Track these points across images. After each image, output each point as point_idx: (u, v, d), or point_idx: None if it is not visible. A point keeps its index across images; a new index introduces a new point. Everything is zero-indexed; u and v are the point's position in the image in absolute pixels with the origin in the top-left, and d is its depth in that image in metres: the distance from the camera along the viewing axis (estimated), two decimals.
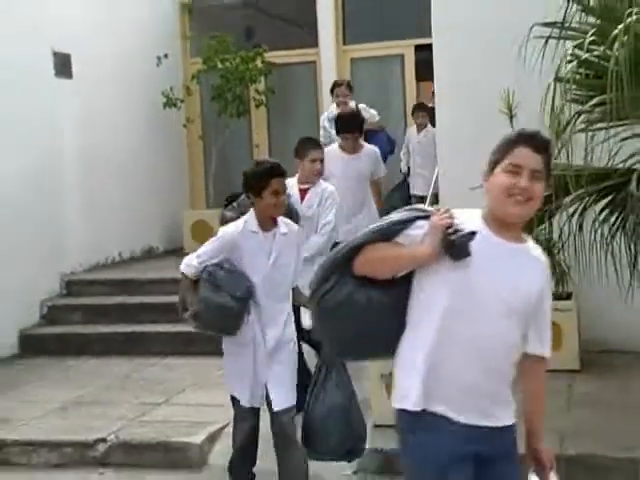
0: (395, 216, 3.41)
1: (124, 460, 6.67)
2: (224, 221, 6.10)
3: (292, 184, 6.64)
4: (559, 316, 7.67)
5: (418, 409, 3.21)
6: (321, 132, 9.72)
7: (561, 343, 7.75)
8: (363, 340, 3.44)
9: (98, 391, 8.12)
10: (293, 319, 5.47)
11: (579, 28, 6.25)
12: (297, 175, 7.04)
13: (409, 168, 11.80)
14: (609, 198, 6.32)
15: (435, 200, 9.96)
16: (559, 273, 7.96)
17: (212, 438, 6.69)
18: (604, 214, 6.36)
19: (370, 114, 10.03)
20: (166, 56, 12.11)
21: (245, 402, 5.29)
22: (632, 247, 6.33)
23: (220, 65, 11.96)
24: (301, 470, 5.39)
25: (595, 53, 5.73)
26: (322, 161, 7.06)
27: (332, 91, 10.17)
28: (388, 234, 3.33)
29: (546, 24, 6.30)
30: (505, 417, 3.29)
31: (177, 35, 13.10)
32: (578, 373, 7.68)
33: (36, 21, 10.10)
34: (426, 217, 3.31)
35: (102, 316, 10.03)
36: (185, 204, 13.05)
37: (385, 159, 9.67)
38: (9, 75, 9.55)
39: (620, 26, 5.51)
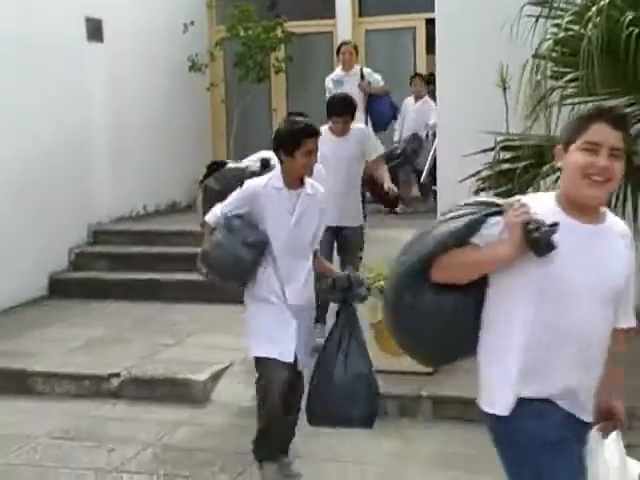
0: (464, 216, 3.05)
1: (135, 394, 6.90)
2: (210, 193, 5.82)
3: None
4: None
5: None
6: (326, 93, 9.17)
7: None
8: (457, 343, 3.24)
9: (117, 331, 8.33)
10: (313, 278, 5.16)
11: (566, 8, 6.45)
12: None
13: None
14: None
15: (432, 172, 10.00)
16: None
17: (215, 377, 6.90)
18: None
19: (374, 79, 9.87)
20: (192, 23, 12.19)
21: (276, 355, 4.88)
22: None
23: (243, 33, 12.08)
24: (292, 435, 5.30)
25: (570, 33, 5.94)
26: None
27: (338, 51, 10.02)
28: (463, 239, 3.01)
29: (536, 3, 6.42)
30: (592, 411, 3.08)
31: (203, 4, 13.05)
32: None
33: None
34: (499, 212, 3.01)
35: (125, 264, 10.17)
36: (207, 162, 12.97)
37: (387, 125, 9.83)
38: (45, 39, 9.68)
39: (594, 8, 5.73)
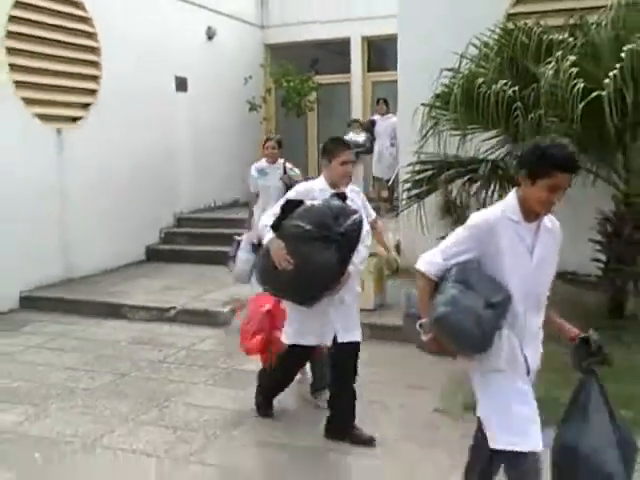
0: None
1: (184, 319, 7.78)
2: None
3: (321, 187, 4.50)
4: None
5: None
6: (250, 180, 7.31)
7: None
8: None
9: (182, 282, 9.13)
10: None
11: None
12: (322, 177, 4.56)
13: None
14: (469, 176, 6.93)
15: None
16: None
17: (233, 311, 7.54)
18: (466, 186, 7.13)
19: (295, 173, 7.42)
20: (250, 77, 12.83)
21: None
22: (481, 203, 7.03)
23: (285, 84, 12.73)
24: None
25: (446, 90, 6.72)
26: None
27: (264, 144, 7.46)
28: None
29: (449, 69, 7.06)
30: None
31: (257, 63, 13.42)
32: None
33: (165, 55, 10.93)
34: None
35: (198, 240, 10.67)
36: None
37: None
38: (147, 90, 10.52)
39: (459, 76, 6.59)
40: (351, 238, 4.21)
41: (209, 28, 12.13)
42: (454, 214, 8.44)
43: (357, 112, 13.00)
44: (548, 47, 6.36)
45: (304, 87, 12.75)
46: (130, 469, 4.41)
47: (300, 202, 4.30)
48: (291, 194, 4.53)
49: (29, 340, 7.30)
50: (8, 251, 8.34)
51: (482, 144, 7.20)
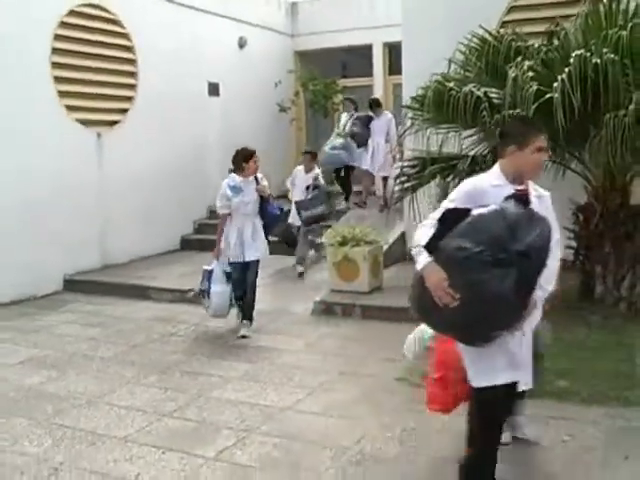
0: None
1: (199, 301, 7.62)
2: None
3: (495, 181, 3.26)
4: None
5: None
6: (221, 201, 6.68)
7: None
8: None
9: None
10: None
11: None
12: (498, 168, 3.32)
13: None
14: (451, 170, 7.09)
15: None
16: None
17: None
18: (448, 180, 7.52)
19: (265, 183, 6.84)
20: (280, 82, 13.21)
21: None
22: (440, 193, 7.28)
23: (311, 87, 13.16)
24: None
25: (421, 93, 6.99)
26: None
27: (248, 159, 6.76)
28: None
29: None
30: None
31: (285, 69, 13.61)
32: None
33: (199, 64, 11.43)
34: None
35: None
36: (288, 167, 12.81)
37: (277, 223, 7.52)
38: (181, 96, 11.04)
39: (434, 79, 6.88)
40: (536, 258, 3.01)
41: (240, 38, 12.60)
42: None
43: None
44: (516, 53, 6.63)
45: (329, 90, 13.10)
46: (121, 420, 4.92)
47: (466, 212, 3.07)
48: (458, 195, 3.25)
49: (64, 317, 7.94)
50: (54, 240, 9.01)
51: (465, 141, 7.44)
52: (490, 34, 6.91)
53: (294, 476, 4.05)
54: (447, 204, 3.20)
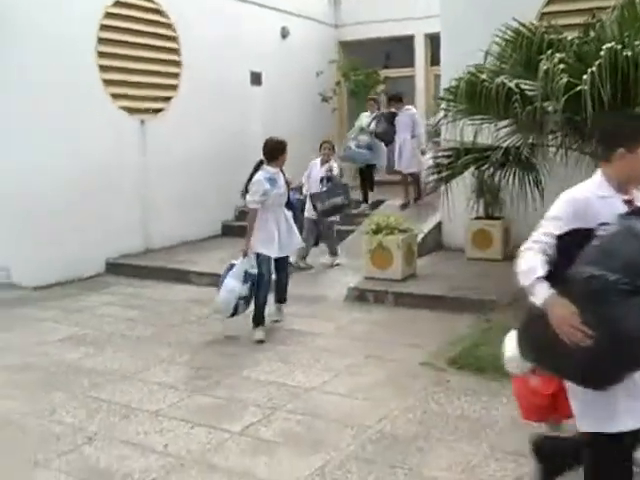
0: None
1: None
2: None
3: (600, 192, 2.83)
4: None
5: None
6: (258, 195, 6.33)
7: (492, 243, 9.11)
8: None
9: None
10: None
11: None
12: (601, 176, 2.85)
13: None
14: (484, 161, 7.26)
15: None
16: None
17: None
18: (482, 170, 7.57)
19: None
20: (322, 72, 13.36)
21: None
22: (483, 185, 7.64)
23: (353, 77, 13.28)
24: None
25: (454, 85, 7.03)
26: None
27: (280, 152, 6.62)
28: None
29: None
30: None
31: (327, 59, 13.70)
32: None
33: (241, 53, 11.66)
34: None
35: None
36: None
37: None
38: (223, 85, 11.27)
39: (462, 74, 6.93)
40: None
41: (283, 28, 12.78)
42: (486, 195, 8.90)
43: (420, 102, 13.26)
44: (549, 45, 6.64)
45: (370, 80, 13.20)
46: (153, 396, 5.16)
47: (588, 232, 2.67)
48: (563, 213, 2.80)
49: (106, 298, 8.24)
50: (97, 224, 9.33)
51: (500, 132, 7.47)
52: (524, 26, 6.91)
53: (315, 450, 4.21)
54: (554, 224, 2.78)
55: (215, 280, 8.13)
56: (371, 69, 13.28)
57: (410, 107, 10.86)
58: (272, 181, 6.43)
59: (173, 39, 10.38)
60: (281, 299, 6.97)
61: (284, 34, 12.84)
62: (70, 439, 4.43)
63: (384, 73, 13.75)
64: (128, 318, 7.35)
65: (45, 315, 7.44)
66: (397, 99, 10.81)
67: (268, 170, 6.50)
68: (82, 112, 9.03)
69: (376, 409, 4.82)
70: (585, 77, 5.73)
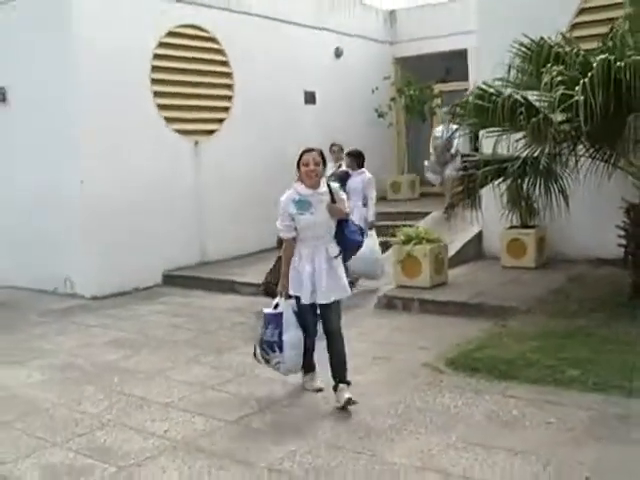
0: None
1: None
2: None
3: None
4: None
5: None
6: (280, 222, 5.15)
7: (526, 252, 9.35)
8: None
9: None
10: None
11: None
12: None
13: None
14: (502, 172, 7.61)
15: None
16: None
17: None
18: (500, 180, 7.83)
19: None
20: (377, 88, 13.79)
21: None
22: (508, 194, 7.87)
23: (407, 93, 13.67)
24: None
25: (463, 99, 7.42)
26: None
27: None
28: None
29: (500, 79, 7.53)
30: None
31: (381, 76, 14.11)
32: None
33: (295, 74, 12.29)
34: None
35: None
36: (386, 170, 14.24)
37: None
38: (276, 105, 11.92)
39: (471, 90, 7.25)
40: None
41: (337, 48, 13.35)
42: (519, 204, 9.12)
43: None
44: (556, 58, 6.93)
45: (424, 95, 13.53)
46: (169, 390, 5.79)
47: None
48: None
49: (156, 307, 8.99)
50: (155, 239, 10.16)
51: (518, 143, 7.74)
52: (533, 41, 7.20)
53: (294, 438, 4.70)
54: None
55: (259, 290, 8.77)
56: (425, 84, 13.63)
57: (364, 170, 8.95)
58: (301, 204, 4.96)
59: (225, 64, 11.14)
60: (337, 374, 5.19)
61: (338, 54, 13.40)
62: (87, 424, 5.10)
63: (439, 87, 14.03)
64: (171, 324, 8.05)
65: (97, 322, 8.25)
66: (354, 155, 8.94)
67: (297, 189, 5.06)
68: (138, 135, 9.91)
69: (364, 404, 5.24)
70: (577, 88, 6.00)
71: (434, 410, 5.09)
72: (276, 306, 5.23)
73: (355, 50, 13.75)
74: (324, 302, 5.08)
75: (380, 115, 13.82)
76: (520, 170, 7.52)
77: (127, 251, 9.76)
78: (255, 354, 5.40)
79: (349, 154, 8.98)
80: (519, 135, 7.57)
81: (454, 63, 14.47)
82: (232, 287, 9.61)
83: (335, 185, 5.25)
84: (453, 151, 11.38)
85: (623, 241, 7.41)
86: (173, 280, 10.25)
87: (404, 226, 9.24)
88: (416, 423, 4.89)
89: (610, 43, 7.08)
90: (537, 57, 7.08)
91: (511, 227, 9.33)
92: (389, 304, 8.30)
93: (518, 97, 6.77)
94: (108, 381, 6.09)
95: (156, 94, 10.17)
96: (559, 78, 6.26)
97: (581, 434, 4.53)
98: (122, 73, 9.68)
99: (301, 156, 5.07)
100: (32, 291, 10.11)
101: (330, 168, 8.48)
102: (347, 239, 5.20)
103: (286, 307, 5.18)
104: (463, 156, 9.87)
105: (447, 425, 4.81)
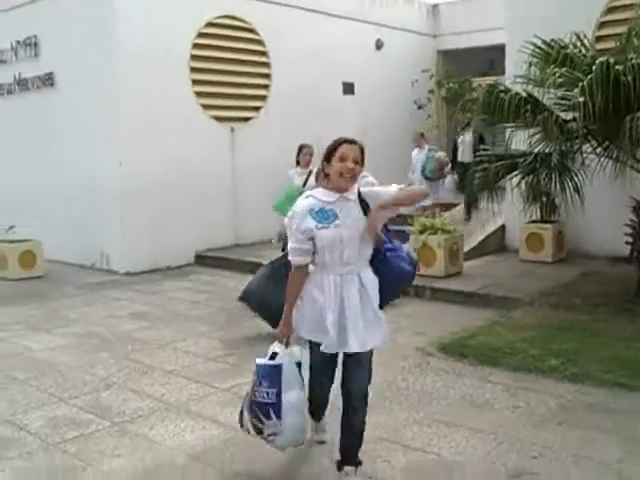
0: None
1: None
2: None
3: None
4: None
5: None
6: (292, 241, 3.55)
7: (544, 246, 9.53)
8: None
9: None
10: None
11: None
12: None
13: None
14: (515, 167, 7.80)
15: None
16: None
17: None
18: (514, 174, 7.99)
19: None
20: (417, 81, 14.13)
21: None
22: (526, 190, 7.95)
23: (446, 86, 13.97)
24: None
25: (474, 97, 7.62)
26: None
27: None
28: None
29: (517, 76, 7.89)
30: None
31: (419, 69, 14.37)
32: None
33: (333, 65, 12.63)
34: None
35: None
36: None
37: None
38: (314, 95, 12.31)
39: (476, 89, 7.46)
40: None
41: (378, 40, 13.64)
42: (540, 200, 9.28)
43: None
44: (564, 59, 7.11)
45: (463, 88, 13.74)
46: (175, 359, 6.26)
47: None
48: None
49: (183, 284, 9.53)
50: (190, 220, 10.72)
51: (530, 139, 7.91)
52: (544, 41, 7.38)
53: None
54: None
55: None
56: (464, 77, 13.84)
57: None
58: (324, 214, 3.47)
59: (263, 54, 11.57)
60: (346, 452, 3.80)
61: (379, 45, 13.69)
62: (94, 385, 5.61)
63: (479, 81, 14.11)
64: (193, 301, 8.54)
65: (124, 296, 8.83)
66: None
67: (316, 195, 3.55)
68: (177, 121, 10.46)
69: None
70: (576, 90, 6.20)
71: (413, 390, 5.40)
72: (273, 356, 3.67)
73: (397, 42, 14.03)
74: (357, 351, 3.53)
75: (419, 107, 14.10)
76: (532, 166, 7.69)
77: (161, 231, 10.31)
78: (241, 421, 3.82)
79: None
80: (532, 131, 7.82)
81: (498, 56, 14.52)
82: (257, 268, 9.94)
83: (368, 190, 3.62)
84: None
85: (630, 239, 7.53)
86: (204, 260, 10.76)
87: (433, 216, 9.51)
88: (392, 400, 5.22)
89: (623, 44, 7.23)
90: (547, 57, 7.22)
91: (531, 222, 9.47)
92: (403, 291, 8.53)
93: (524, 94, 6.98)
94: (122, 349, 6.60)
95: (195, 82, 10.65)
96: (561, 79, 6.44)
97: (544, 419, 4.76)
98: (162, 63, 10.22)
99: (336, 147, 3.50)
100: (74, 266, 10.79)
101: (298, 174, 7.80)
102: (391, 265, 3.60)
103: (285, 358, 3.67)
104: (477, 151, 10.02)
105: (420, 404, 5.12)
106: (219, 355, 6.37)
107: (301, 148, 7.78)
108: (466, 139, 11.77)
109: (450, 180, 11.25)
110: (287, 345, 3.69)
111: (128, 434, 4.65)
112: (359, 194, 3.53)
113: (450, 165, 10.96)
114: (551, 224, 9.36)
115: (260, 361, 3.72)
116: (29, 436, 4.65)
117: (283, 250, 6.38)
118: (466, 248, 9.46)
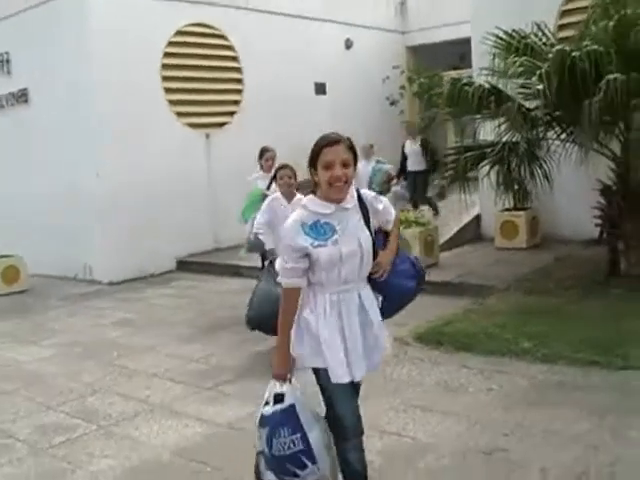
0: None
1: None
2: None
3: None
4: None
5: None
6: (285, 260, 2.96)
7: (518, 233, 9.75)
8: None
9: None
10: None
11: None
12: None
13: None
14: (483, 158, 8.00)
15: None
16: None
17: None
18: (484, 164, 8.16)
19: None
20: (388, 77, 14.29)
21: None
22: (497, 179, 8.06)
23: (417, 81, 14.13)
24: None
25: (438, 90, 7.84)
26: None
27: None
28: None
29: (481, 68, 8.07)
30: None
31: (390, 65, 14.59)
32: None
33: (305, 66, 12.78)
34: None
35: None
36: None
37: None
38: (286, 97, 12.38)
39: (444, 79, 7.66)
40: None
41: (347, 39, 13.80)
42: (512, 188, 9.47)
43: None
44: (525, 48, 7.32)
45: (433, 82, 13.92)
46: (159, 363, 6.41)
47: None
48: None
49: (165, 291, 9.67)
50: (169, 227, 10.84)
51: (500, 130, 8.10)
52: (505, 32, 7.58)
53: (256, 403, 5.23)
54: None
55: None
56: (433, 72, 14.00)
57: (301, 197, 6.51)
58: (320, 229, 3.00)
59: (234, 59, 11.72)
60: None
61: (348, 45, 13.86)
62: (81, 392, 5.75)
63: (449, 75, 14.31)
64: (175, 306, 8.69)
65: (107, 305, 8.96)
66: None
67: (307, 206, 3.05)
68: (151, 131, 10.60)
69: None
70: (533, 79, 6.41)
71: (390, 378, 5.57)
72: (277, 399, 3.11)
73: (366, 40, 14.18)
74: (358, 380, 3.18)
75: (392, 103, 14.27)
76: (500, 155, 7.88)
77: (142, 240, 10.44)
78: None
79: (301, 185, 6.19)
80: (496, 122, 8.01)
81: (468, 50, 14.72)
82: (237, 271, 10.16)
83: (371, 193, 3.23)
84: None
85: (599, 221, 7.74)
86: (186, 266, 10.91)
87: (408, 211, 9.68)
88: (368, 389, 5.26)
89: (582, 31, 7.45)
90: (508, 47, 7.41)
91: (504, 210, 9.66)
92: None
93: (487, 86, 7.18)
94: (107, 356, 6.74)
95: (167, 90, 10.80)
96: (521, 69, 6.64)
97: (516, 399, 4.94)
98: (135, 74, 10.37)
99: (318, 153, 3.00)
100: (57, 278, 10.90)
101: (262, 178, 7.43)
102: (389, 285, 3.24)
103: (295, 400, 3.13)
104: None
105: (397, 391, 5.30)
106: (201, 356, 6.52)
107: (263, 152, 7.61)
108: (414, 148, 11.85)
109: (400, 188, 11.47)
110: (287, 380, 3.12)
111: (114, 436, 4.80)
112: (359, 196, 3.08)
113: (396, 178, 11.25)
114: (524, 211, 9.54)
115: (267, 411, 3.07)
116: (18, 443, 4.79)
117: (263, 259, 6.37)
118: (442, 239, 9.65)
